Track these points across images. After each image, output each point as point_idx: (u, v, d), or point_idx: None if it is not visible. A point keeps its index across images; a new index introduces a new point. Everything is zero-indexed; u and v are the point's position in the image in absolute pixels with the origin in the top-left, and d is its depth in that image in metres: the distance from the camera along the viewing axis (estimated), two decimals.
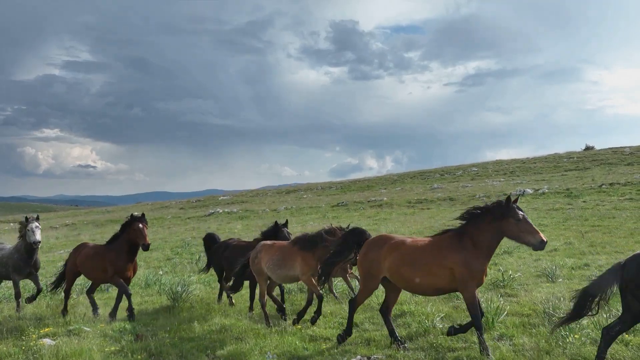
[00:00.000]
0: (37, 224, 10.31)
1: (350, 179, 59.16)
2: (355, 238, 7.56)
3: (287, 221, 10.40)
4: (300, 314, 8.42)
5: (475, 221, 6.71)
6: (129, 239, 9.55)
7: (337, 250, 7.60)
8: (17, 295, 10.51)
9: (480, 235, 6.60)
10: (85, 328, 8.59)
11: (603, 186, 30.32)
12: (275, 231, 9.88)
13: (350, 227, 8.11)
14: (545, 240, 6.46)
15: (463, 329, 6.81)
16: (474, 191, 35.13)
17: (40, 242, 10.28)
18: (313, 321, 8.07)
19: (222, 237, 14.49)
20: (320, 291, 8.20)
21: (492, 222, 6.58)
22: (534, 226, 6.50)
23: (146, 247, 9.45)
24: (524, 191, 31.95)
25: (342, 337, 7.15)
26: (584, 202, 26.31)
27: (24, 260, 10.37)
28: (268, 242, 9.08)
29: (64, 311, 10.08)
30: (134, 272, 10.08)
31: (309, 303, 8.45)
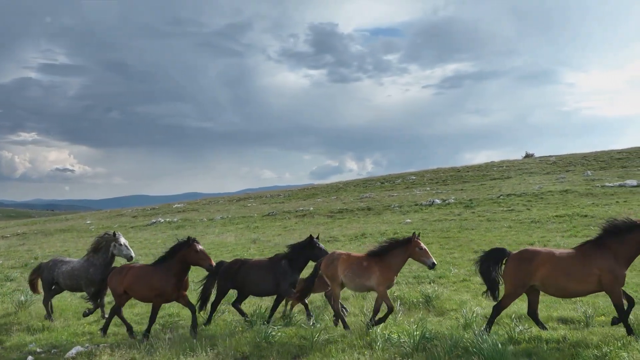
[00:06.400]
0: (124, 239, 11.06)
1: (299, 187, 61.80)
2: (497, 254, 8.51)
3: (318, 235, 10.56)
4: (377, 320, 8.73)
5: (621, 234, 7.64)
6: (184, 260, 9.29)
7: (483, 263, 8.49)
8: (102, 305, 11.23)
9: (624, 246, 7.57)
10: None
11: (501, 197, 33.21)
12: (311, 246, 9.96)
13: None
14: None
15: (615, 320, 7.89)
16: (392, 201, 37.94)
17: (134, 257, 11.04)
18: (378, 323, 8.56)
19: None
20: (392, 303, 8.79)
21: (638, 237, 7.56)
22: None
23: (211, 267, 9.36)
24: (433, 201, 34.81)
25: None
26: (472, 212, 29.10)
27: (99, 274, 10.82)
28: (343, 252, 9.44)
29: (131, 333, 9.76)
30: (185, 289, 9.73)
31: (375, 312, 8.84)
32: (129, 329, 9.85)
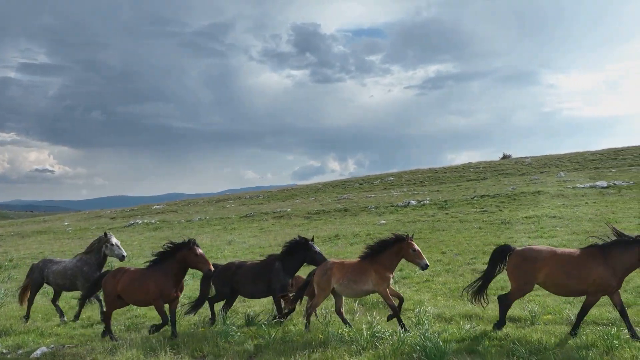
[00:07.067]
0: (116, 239, 11.36)
1: (281, 187, 62.02)
2: (501, 251, 8.69)
3: (313, 237, 10.61)
4: (391, 317, 8.93)
5: (626, 245, 7.85)
6: (183, 262, 9.20)
7: (490, 265, 8.74)
8: (81, 306, 11.37)
9: (626, 256, 7.76)
10: None
11: (475, 198, 33.79)
12: (304, 247, 9.95)
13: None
14: None
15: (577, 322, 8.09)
16: (369, 202, 38.36)
17: (126, 256, 11.37)
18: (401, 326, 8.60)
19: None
20: (393, 302, 8.88)
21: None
22: None
23: (210, 272, 9.29)
24: (409, 202, 35.30)
25: (498, 327, 8.29)
26: (446, 213, 29.59)
27: (93, 273, 11.04)
28: (336, 260, 9.50)
29: (112, 335, 9.59)
30: (181, 291, 9.63)
31: (394, 310, 8.89)
32: (109, 333, 9.65)
